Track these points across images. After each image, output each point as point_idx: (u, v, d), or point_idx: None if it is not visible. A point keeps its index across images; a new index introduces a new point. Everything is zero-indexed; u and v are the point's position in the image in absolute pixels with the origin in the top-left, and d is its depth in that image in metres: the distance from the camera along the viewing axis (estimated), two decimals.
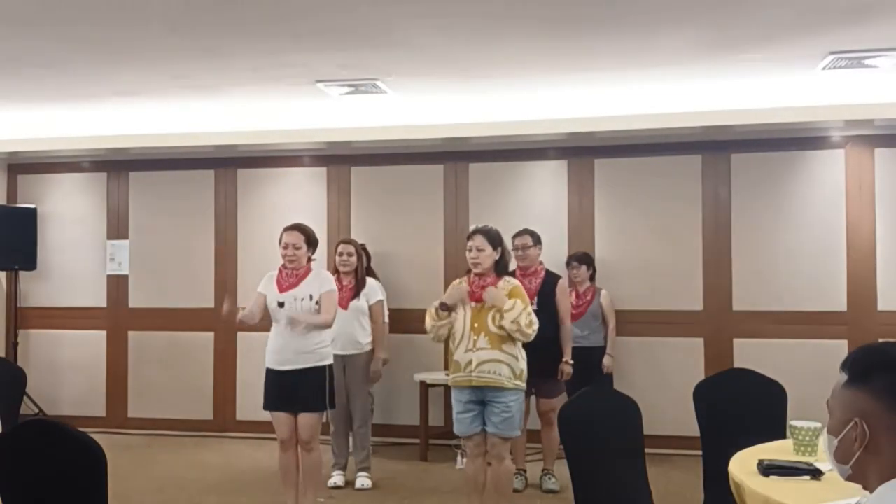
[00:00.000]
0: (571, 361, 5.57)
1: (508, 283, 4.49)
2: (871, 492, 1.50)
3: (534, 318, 4.42)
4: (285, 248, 4.78)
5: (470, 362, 4.37)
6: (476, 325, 4.39)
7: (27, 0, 4.00)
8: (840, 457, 1.55)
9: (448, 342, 4.59)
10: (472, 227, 4.63)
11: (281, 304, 4.70)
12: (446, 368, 4.66)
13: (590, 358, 6.15)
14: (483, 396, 4.41)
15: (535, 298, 5.53)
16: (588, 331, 6.26)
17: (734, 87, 5.84)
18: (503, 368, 4.36)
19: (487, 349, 4.35)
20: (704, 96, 6.03)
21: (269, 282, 4.83)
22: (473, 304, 4.41)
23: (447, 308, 4.44)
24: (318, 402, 4.73)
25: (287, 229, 4.86)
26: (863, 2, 4.11)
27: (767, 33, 4.61)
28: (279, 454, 4.84)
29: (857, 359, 1.59)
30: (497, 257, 4.47)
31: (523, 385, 4.49)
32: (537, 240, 5.74)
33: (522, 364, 4.46)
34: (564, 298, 5.68)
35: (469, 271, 4.52)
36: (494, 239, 4.48)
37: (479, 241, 4.45)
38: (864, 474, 1.52)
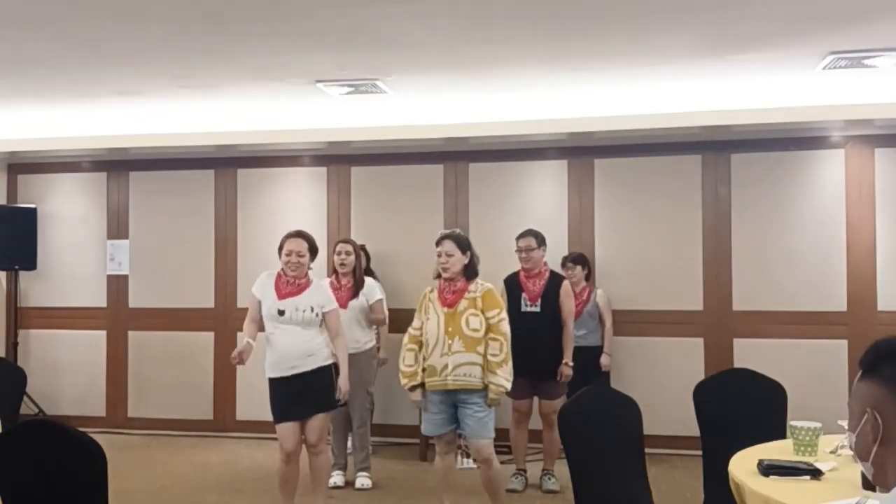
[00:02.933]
0: (571, 363, 5.57)
1: (481, 286, 4.57)
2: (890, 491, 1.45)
3: (505, 327, 4.51)
4: (289, 255, 4.68)
5: (446, 366, 4.44)
6: (450, 329, 4.46)
7: (27, 0, 4.01)
8: (860, 452, 1.52)
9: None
10: (438, 234, 4.73)
11: (281, 312, 4.63)
12: None
13: (587, 357, 6.16)
14: (455, 399, 4.50)
15: (539, 300, 5.53)
16: (585, 330, 6.26)
17: (734, 87, 5.84)
18: (477, 370, 4.43)
19: (462, 352, 4.43)
20: (704, 96, 6.03)
21: (267, 282, 4.72)
22: (446, 308, 4.49)
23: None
24: (329, 401, 4.70)
25: (290, 236, 4.76)
26: (863, 2, 4.10)
27: (767, 33, 4.61)
28: (280, 465, 4.76)
29: (868, 352, 1.58)
30: (466, 261, 4.57)
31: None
32: (541, 241, 5.71)
33: None
34: (568, 300, 5.65)
35: (439, 276, 4.60)
36: (463, 244, 4.59)
37: (449, 246, 4.56)
38: (884, 470, 1.48)
